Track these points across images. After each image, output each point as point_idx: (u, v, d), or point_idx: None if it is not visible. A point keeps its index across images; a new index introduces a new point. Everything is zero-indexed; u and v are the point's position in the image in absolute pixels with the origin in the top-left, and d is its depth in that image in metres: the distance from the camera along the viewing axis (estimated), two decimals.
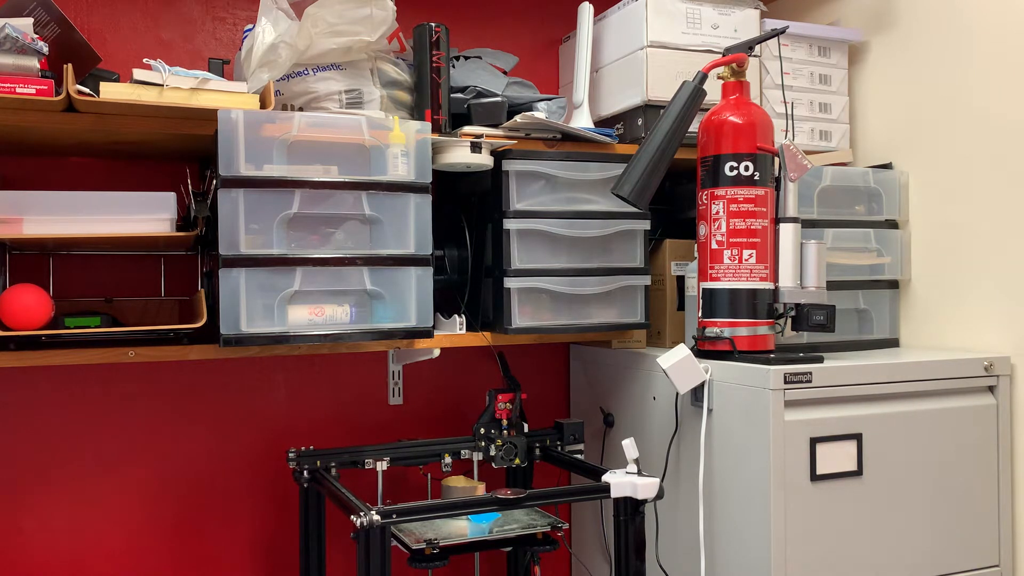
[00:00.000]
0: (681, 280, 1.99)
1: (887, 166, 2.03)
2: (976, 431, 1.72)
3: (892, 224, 2.00)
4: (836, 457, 1.60)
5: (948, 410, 1.70)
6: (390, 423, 2.11)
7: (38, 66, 1.43)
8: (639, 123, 1.91)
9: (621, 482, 1.60)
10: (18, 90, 1.41)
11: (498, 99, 1.83)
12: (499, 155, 1.76)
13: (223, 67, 1.72)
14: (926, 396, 1.69)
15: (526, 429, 1.88)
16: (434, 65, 1.78)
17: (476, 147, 1.72)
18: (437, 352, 1.77)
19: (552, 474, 2.23)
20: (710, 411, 1.67)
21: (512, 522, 1.73)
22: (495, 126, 1.81)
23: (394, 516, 1.46)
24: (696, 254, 1.76)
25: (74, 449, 1.85)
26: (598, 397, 2.09)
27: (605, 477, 1.61)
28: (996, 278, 1.80)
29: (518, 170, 1.76)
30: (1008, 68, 1.78)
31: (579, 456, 1.90)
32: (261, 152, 1.52)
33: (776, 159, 1.69)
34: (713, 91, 1.76)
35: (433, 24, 1.78)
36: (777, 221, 1.68)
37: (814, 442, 1.58)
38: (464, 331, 1.80)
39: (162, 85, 1.48)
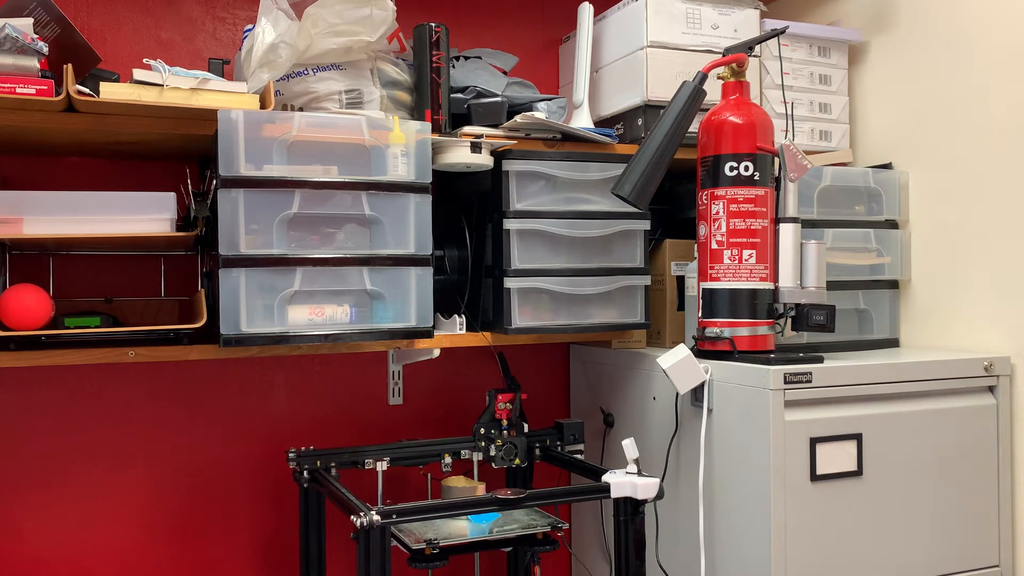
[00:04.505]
0: (681, 280, 1.99)
1: (887, 166, 2.03)
2: (976, 431, 1.72)
3: (892, 224, 2.00)
4: (836, 457, 1.60)
5: (948, 410, 1.70)
6: (390, 423, 2.11)
7: (38, 66, 1.43)
8: (639, 123, 1.91)
9: (621, 482, 1.60)
10: (18, 90, 1.41)
11: (498, 99, 1.83)
12: (499, 155, 1.76)
13: (223, 67, 1.72)
14: (926, 396, 1.69)
15: (526, 429, 1.88)
16: (434, 65, 1.78)
17: (476, 147, 1.72)
18: (437, 352, 1.77)
19: (552, 474, 2.23)
20: (710, 411, 1.67)
21: (512, 522, 1.73)
22: (495, 126, 1.81)
23: (394, 516, 1.46)
24: (696, 254, 1.76)
25: (74, 449, 1.85)
26: (598, 397, 2.09)
27: (605, 477, 1.61)
28: (996, 278, 1.80)
29: (518, 170, 1.76)
30: (1008, 68, 1.78)
31: (579, 456, 1.90)
32: (261, 152, 1.52)
33: (776, 159, 1.69)
34: (713, 91, 1.76)
35: (433, 24, 1.78)
36: (777, 221, 1.68)
37: (814, 442, 1.58)
38: (464, 331, 1.80)
39: (162, 85, 1.48)
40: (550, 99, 1.92)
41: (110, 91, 1.46)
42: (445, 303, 1.95)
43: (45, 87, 1.43)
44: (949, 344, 1.91)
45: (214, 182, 1.55)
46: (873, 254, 1.97)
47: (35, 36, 1.44)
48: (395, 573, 2.09)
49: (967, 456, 1.71)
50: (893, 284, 2.01)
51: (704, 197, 1.71)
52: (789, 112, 2.04)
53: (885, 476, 1.64)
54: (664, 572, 1.81)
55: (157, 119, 1.55)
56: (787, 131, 2.02)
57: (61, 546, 1.85)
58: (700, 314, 1.72)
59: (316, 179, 1.55)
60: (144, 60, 1.53)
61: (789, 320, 1.69)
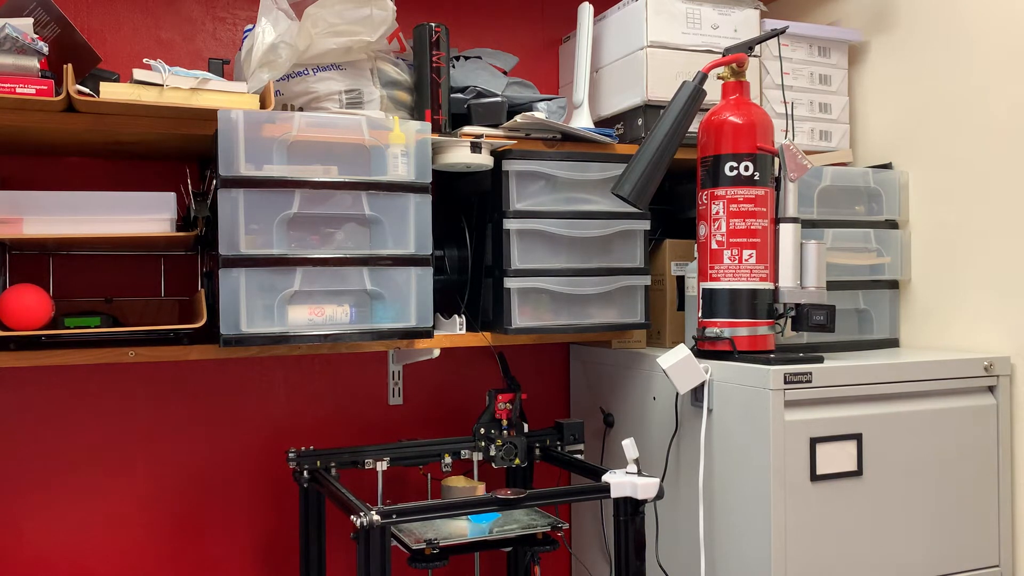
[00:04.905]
0: (681, 280, 1.99)
1: (887, 166, 2.03)
2: (976, 431, 1.72)
3: (892, 224, 2.00)
4: (836, 457, 1.60)
5: (948, 410, 1.70)
6: (390, 423, 2.11)
7: (38, 66, 1.43)
8: (639, 123, 1.91)
9: (621, 482, 1.60)
10: (18, 90, 1.41)
11: (498, 99, 1.83)
12: (499, 155, 1.76)
13: (223, 67, 1.72)
14: (926, 396, 1.69)
15: (526, 429, 1.88)
16: (434, 65, 1.78)
17: (476, 147, 1.72)
18: (437, 352, 1.77)
19: (552, 474, 2.23)
20: (710, 411, 1.67)
21: (512, 522, 1.73)
22: (495, 126, 1.81)
23: (394, 516, 1.46)
24: (696, 254, 1.76)
25: (74, 449, 1.85)
26: (598, 397, 2.09)
27: (605, 477, 1.61)
28: (996, 278, 1.80)
29: (518, 170, 1.76)
30: (1008, 68, 1.78)
31: (579, 456, 1.90)
32: (261, 152, 1.52)
33: (776, 159, 1.69)
34: (713, 91, 1.76)
35: (433, 24, 1.78)
36: (777, 221, 1.68)
37: (814, 442, 1.58)
38: (464, 331, 1.80)
39: (162, 85, 1.48)
40: (550, 99, 1.92)
41: (110, 91, 1.46)
42: (445, 303, 1.95)
43: (45, 87, 1.43)
44: (949, 344, 1.91)
45: (214, 182, 1.55)
46: (873, 254, 1.97)
47: (35, 36, 1.44)
48: (395, 573, 2.09)
49: (967, 456, 1.71)
50: (893, 284, 2.01)
51: (704, 197, 1.71)
52: (789, 112, 2.04)
53: (885, 476, 1.64)
54: (664, 572, 1.81)
55: (157, 119, 1.55)
56: (787, 131, 2.02)
57: (61, 546, 1.85)
58: (700, 314, 1.72)
59: (316, 179, 1.55)
60: (144, 60, 1.53)
61: (789, 320, 1.69)
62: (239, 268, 1.51)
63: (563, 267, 1.80)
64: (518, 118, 1.76)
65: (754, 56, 2.00)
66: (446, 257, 1.91)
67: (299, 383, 2.03)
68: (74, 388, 1.86)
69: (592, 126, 1.97)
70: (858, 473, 1.62)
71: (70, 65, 1.46)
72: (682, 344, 1.70)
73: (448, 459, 1.84)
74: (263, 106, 1.55)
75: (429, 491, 2.04)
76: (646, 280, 1.87)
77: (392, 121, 1.61)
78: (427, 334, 1.65)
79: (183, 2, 1.92)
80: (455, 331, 1.79)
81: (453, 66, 1.91)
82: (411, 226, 1.63)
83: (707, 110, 1.74)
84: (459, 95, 1.82)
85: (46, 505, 1.84)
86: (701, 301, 1.72)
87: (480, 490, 1.85)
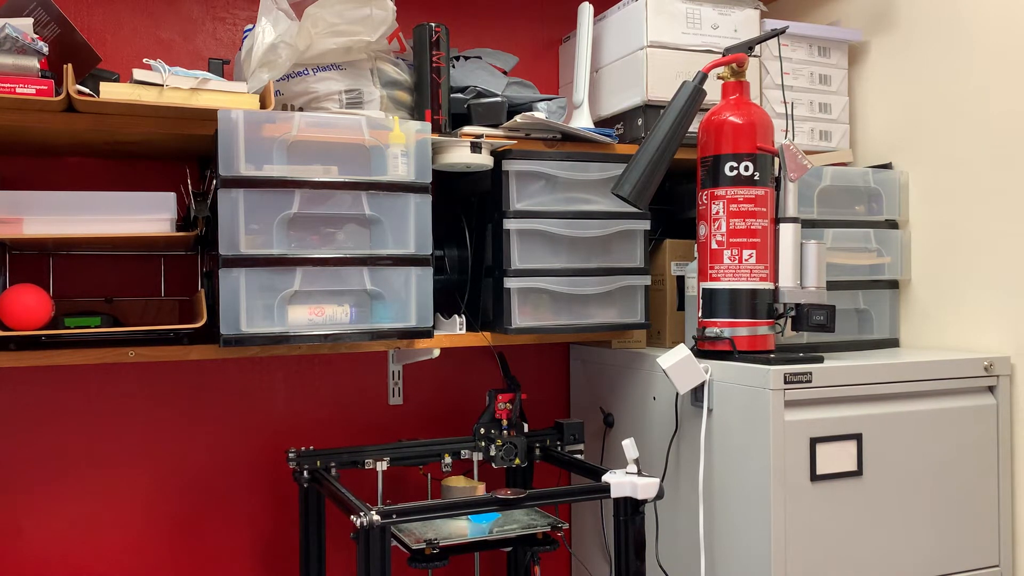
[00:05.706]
0: (681, 280, 1.99)
1: (887, 166, 2.04)
2: (976, 431, 1.72)
3: (892, 224, 2.00)
4: (836, 457, 1.60)
5: (948, 410, 1.70)
6: (390, 423, 2.11)
7: (38, 66, 1.43)
8: (639, 123, 1.91)
9: (621, 482, 1.60)
10: (18, 90, 1.41)
11: (498, 99, 1.83)
12: (499, 155, 1.76)
13: (223, 67, 1.72)
14: (926, 396, 1.69)
15: (526, 429, 1.88)
16: (434, 65, 1.78)
17: (476, 147, 1.72)
18: (437, 352, 1.77)
19: (552, 474, 2.23)
20: (710, 411, 1.67)
21: (512, 522, 1.73)
22: (495, 126, 1.81)
23: (394, 516, 1.46)
24: (696, 254, 1.76)
25: (74, 449, 1.85)
26: (598, 397, 2.09)
27: (605, 477, 1.61)
28: (996, 278, 1.80)
29: (518, 170, 1.76)
30: (1008, 68, 1.78)
31: (579, 456, 1.90)
32: (261, 152, 1.52)
33: (776, 159, 1.69)
34: (713, 91, 1.76)
35: (433, 24, 1.78)
36: (777, 221, 1.69)
37: (814, 442, 1.58)
38: (464, 331, 1.80)
39: (162, 85, 1.48)
40: (550, 99, 1.92)
41: (110, 91, 1.46)
42: (445, 303, 1.95)
43: (45, 87, 1.43)
44: (949, 344, 1.91)
45: (214, 182, 1.55)
46: (873, 254, 1.97)
47: (35, 36, 1.44)
48: (395, 573, 2.09)
49: (967, 456, 1.71)
50: (893, 284, 2.01)
51: (704, 197, 1.71)
52: (789, 112, 2.04)
53: (885, 476, 1.64)
54: (664, 572, 1.81)
55: (157, 119, 1.55)
56: (787, 131, 2.02)
57: (61, 546, 1.85)
58: (700, 314, 1.72)
59: (316, 179, 1.55)
60: (144, 60, 1.53)
61: (789, 320, 1.69)
62: (239, 268, 1.51)
63: (563, 267, 1.80)
64: (518, 118, 1.76)
65: (754, 56, 2.00)
66: (446, 257, 1.91)
67: (299, 383, 2.03)
68: (74, 388, 1.86)
69: (592, 126, 1.97)
70: (858, 473, 1.62)
71: (70, 65, 1.46)
72: (682, 344, 1.70)
73: (448, 459, 1.84)
74: (263, 106, 1.56)
75: (429, 491, 2.04)
76: (646, 280, 1.87)
77: (392, 121, 1.61)
78: (427, 334, 1.65)
79: (183, 2, 1.92)
80: (455, 331, 1.80)
81: (453, 66, 1.91)
82: (411, 226, 1.63)
83: (707, 110, 1.74)
84: (459, 95, 1.82)
85: (46, 505, 1.84)
86: (701, 301, 1.72)
87: (480, 490, 1.85)
